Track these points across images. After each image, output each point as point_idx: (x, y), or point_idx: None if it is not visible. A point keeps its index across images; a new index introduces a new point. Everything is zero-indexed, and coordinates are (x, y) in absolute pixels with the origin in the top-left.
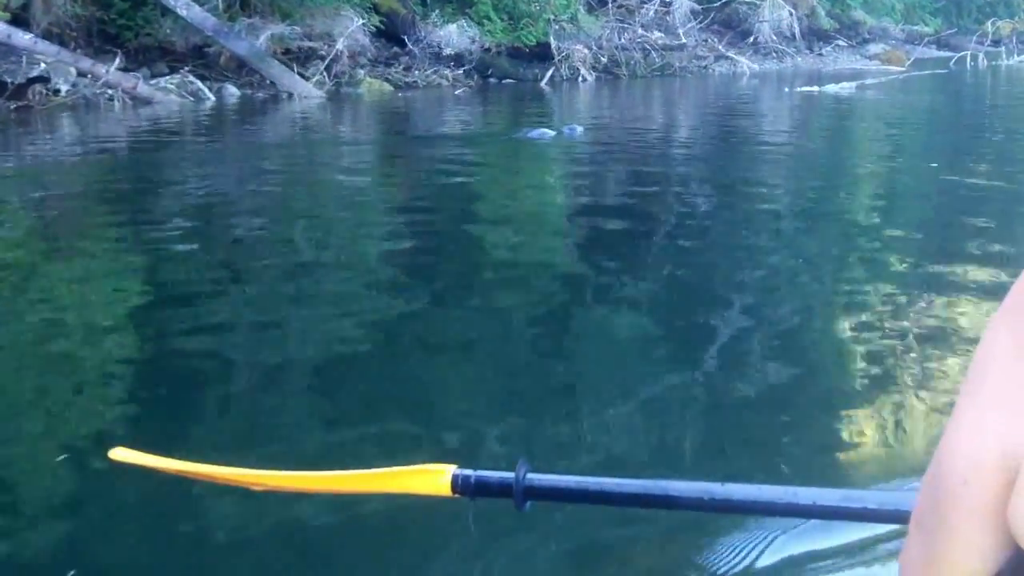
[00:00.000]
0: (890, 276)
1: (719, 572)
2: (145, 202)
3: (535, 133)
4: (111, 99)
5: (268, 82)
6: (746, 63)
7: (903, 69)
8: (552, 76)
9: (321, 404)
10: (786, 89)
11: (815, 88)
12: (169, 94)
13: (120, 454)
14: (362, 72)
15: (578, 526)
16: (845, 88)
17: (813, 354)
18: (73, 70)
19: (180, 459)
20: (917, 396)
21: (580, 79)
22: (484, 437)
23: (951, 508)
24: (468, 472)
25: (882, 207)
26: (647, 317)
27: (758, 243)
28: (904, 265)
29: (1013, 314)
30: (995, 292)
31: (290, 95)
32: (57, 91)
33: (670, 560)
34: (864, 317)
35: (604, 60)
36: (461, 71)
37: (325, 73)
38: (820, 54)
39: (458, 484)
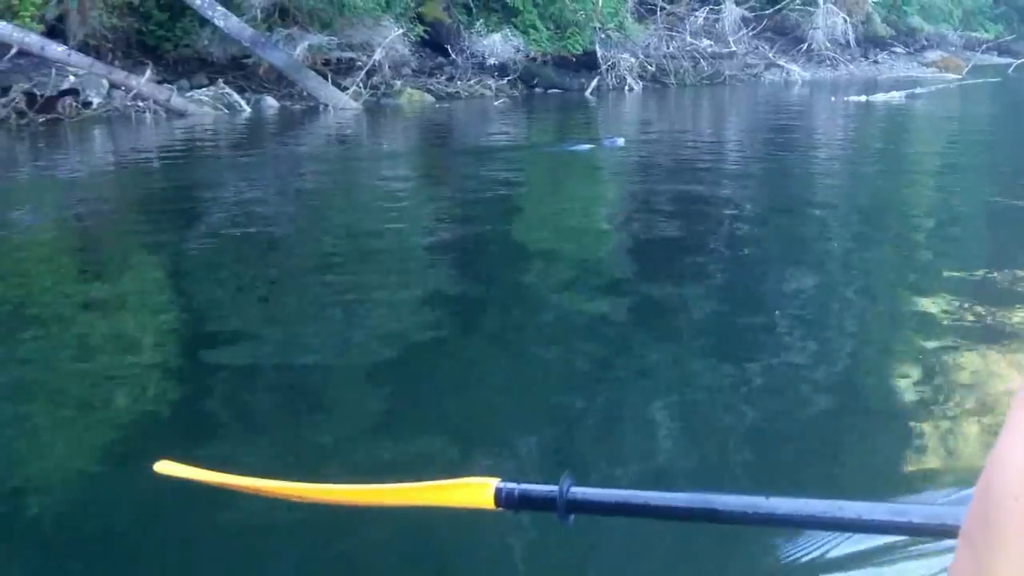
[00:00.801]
0: (941, 288)
1: None
2: (177, 217)
3: (572, 146)
4: (144, 111)
5: (305, 94)
6: (798, 71)
7: (960, 76)
8: (598, 85)
9: (364, 416)
10: (832, 98)
11: (863, 97)
12: (203, 106)
13: (165, 467)
14: (398, 83)
15: (622, 539)
16: (895, 97)
17: (861, 370)
18: (105, 82)
19: (223, 471)
20: (970, 411)
21: (627, 88)
22: (528, 451)
23: (1002, 523)
24: (512, 485)
25: (931, 226)
26: (691, 335)
27: (803, 258)
28: (954, 280)
29: None
30: None
31: (326, 107)
32: (88, 104)
33: (713, 573)
34: (916, 330)
35: (652, 69)
36: (505, 81)
37: (361, 84)
38: (876, 61)
39: (502, 497)
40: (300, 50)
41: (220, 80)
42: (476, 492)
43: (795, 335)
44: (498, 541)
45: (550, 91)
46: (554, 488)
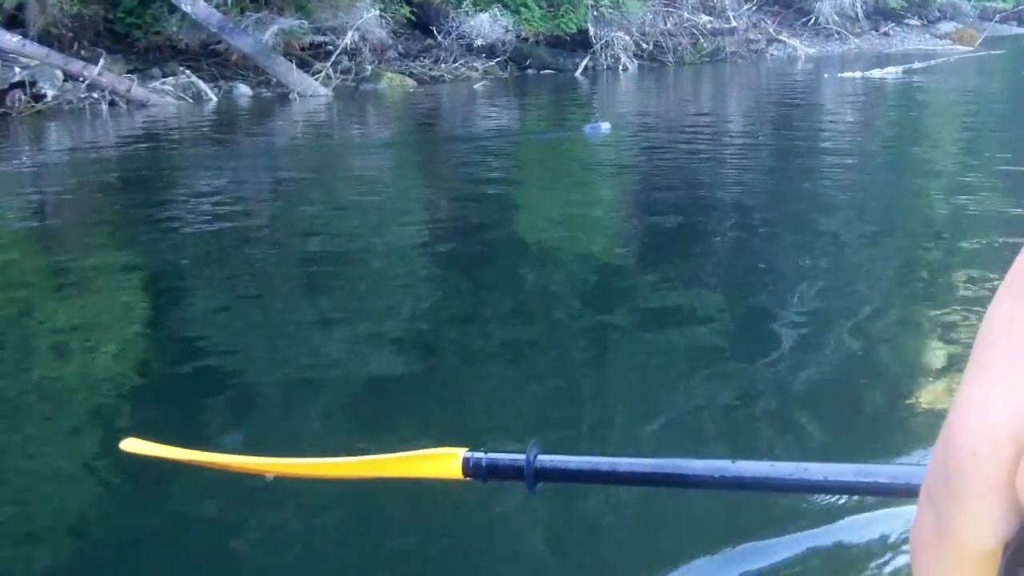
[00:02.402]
0: (952, 266)
1: (734, 548)
2: (138, 214)
3: (550, 133)
4: (107, 103)
5: (274, 81)
6: (800, 47)
7: (972, 49)
8: (591, 65)
9: (342, 408)
10: (825, 75)
11: (858, 74)
12: (165, 96)
13: (132, 445)
14: (369, 68)
15: (591, 506)
16: (891, 73)
17: (844, 350)
18: (60, 73)
19: (192, 448)
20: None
21: (621, 68)
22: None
23: (960, 480)
24: (479, 455)
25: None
26: (686, 327)
27: (791, 251)
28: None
29: (1017, 286)
30: None
31: (293, 94)
32: (42, 96)
33: (682, 538)
34: (911, 307)
35: (649, 47)
36: (494, 63)
37: (332, 69)
38: (886, 34)
39: (469, 467)
40: (269, 35)
41: (183, 68)
42: (444, 462)
43: (795, 313)
44: (468, 509)
45: (543, 72)
46: (521, 457)
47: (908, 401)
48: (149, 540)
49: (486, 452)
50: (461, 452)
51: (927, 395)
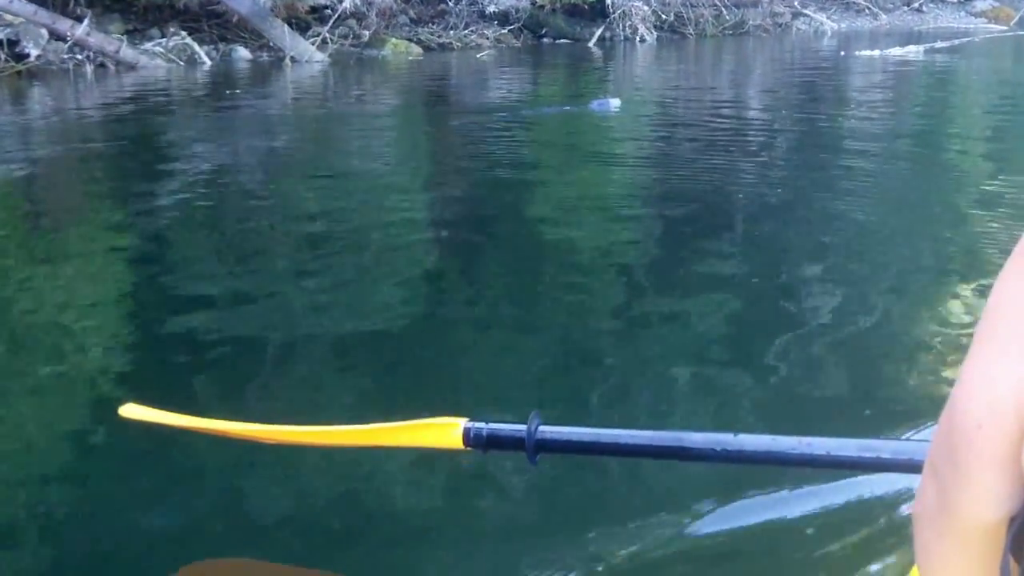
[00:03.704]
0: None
1: (735, 520)
2: (131, 178)
3: (555, 108)
4: (94, 64)
5: (272, 44)
6: (827, 21)
7: (1006, 28)
8: (607, 36)
9: (339, 370)
10: (842, 53)
11: (876, 52)
12: (155, 58)
13: (131, 411)
14: (367, 33)
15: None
16: (911, 52)
17: (856, 327)
18: (45, 32)
19: (191, 415)
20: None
21: (639, 39)
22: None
23: (965, 453)
24: (480, 425)
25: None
26: (693, 305)
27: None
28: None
29: None
30: None
31: (292, 59)
32: (24, 56)
33: (683, 512)
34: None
35: (669, 18)
36: (507, 30)
37: (333, 34)
38: (920, 10)
39: (470, 437)
40: None
41: (173, 29)
42: (445, 432)
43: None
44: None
45: (559, 42)
46: (522, 427)
47: (916, 378)
48: (148, 504)
49: (487, 423)
50: (462, 422)
51: (937, 371)
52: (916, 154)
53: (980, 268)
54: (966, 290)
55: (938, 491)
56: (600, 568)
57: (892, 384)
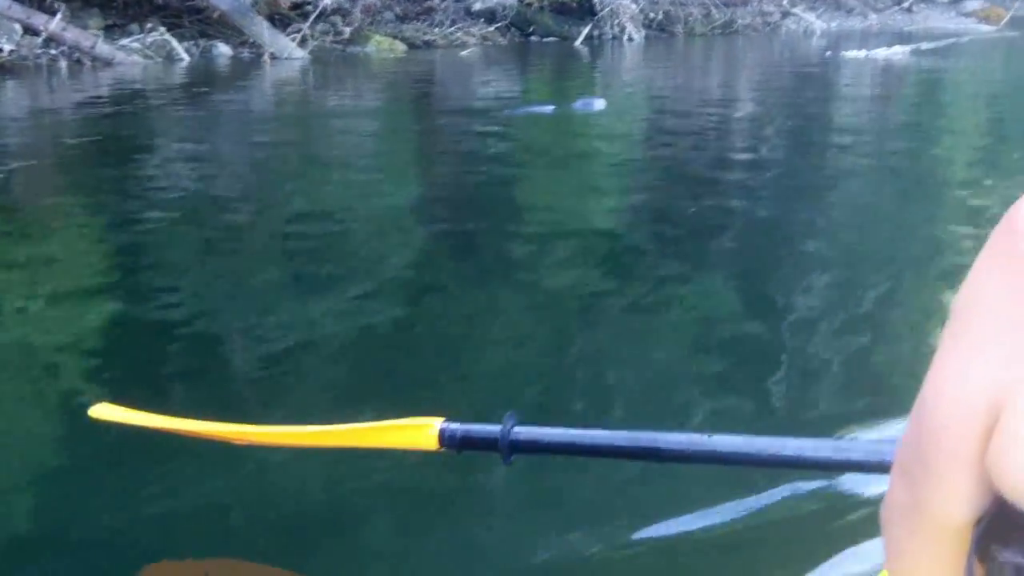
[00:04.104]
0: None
1: (709, 520)
2: (105, 179)
3: (535, 108)
4: (69, 60)
5: (251, 40)
6: (815, 21)
7: (995, 28)
8: (594, 35)
9: (315, 369)
10: (828, 53)
11: (862, 53)
12: (132, 55)
13: (101, 411)
14: (348, 30)
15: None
16: (896, 53)
17: (836, 328)
18: (18, 27)
19: (163, 415)
20: None
21: (627, 38)
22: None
23: (934, 453)
24: (455, 425)
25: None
26: (675, 306)
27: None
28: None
29: (998, 257)
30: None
31: (272, 56)
32: None
33: (657, 512)
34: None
35: (657, 16)
36: (494, 28)
37: (315, 31)
38: (910, 10)
39: (444, 438)
40: None
41: (150, 25)
42: (419, 433)
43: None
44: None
45: (547, 40)
46: (497, 428)
47: (896, 379)
48: (116, 504)
49: (462, 423)
50: (437, 422)
51: (916, 372)
52: (895, 157)
53: (964, 273)
54: (948, 293)
55: (907, 491)
56: (574, 568)
57: (870, 385)
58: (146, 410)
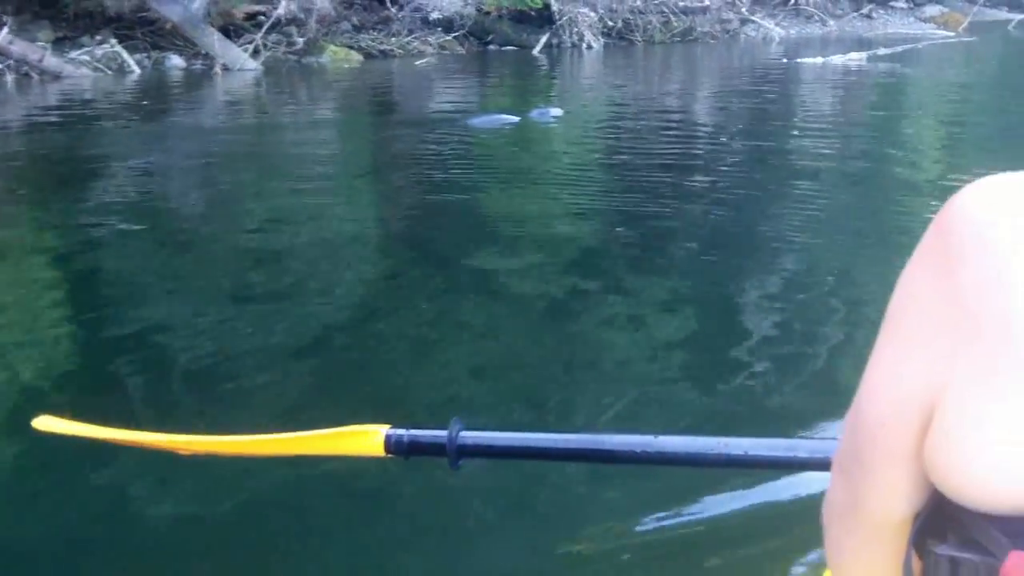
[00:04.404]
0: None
1: (653, 524)
2: (57, 192)
3: (492, 119)
4: (16, 74)
5: (204, 52)
6: (774, 28)
7: (953, 35)
8: (553, 44)
9: (264, 380)
10: (784, 60)
11: (818, 60)
12: (81, 67)
13: (45, 423)
14: (301, 40)
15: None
16: (853, 60)
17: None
18: None
19: (108, 427)
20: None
21: (585, 46)
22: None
23: (870, 451)
24: (401, 431)
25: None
26: (629, 312)
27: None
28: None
29: (928, 258)
30: None
31: (224, 67)
32: None
33: (604, 514)
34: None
35: (616, 24)
36: (451, 37)
37: (269, 41)
38: (869, 17)
39: (391, 444)
40: (200, 3)
41: (99, 37)
42: (365, 440)
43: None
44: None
45: (505, 49)
46: (443, 433)
47: (843, 379)
48: (62, 519)
49: (408, 428)
50: (383, 429)
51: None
52: (851, 161)
53: None
54: None
55: (845, 489)
56: (522, 571)
57: (822, 384)
58: (91, 422)
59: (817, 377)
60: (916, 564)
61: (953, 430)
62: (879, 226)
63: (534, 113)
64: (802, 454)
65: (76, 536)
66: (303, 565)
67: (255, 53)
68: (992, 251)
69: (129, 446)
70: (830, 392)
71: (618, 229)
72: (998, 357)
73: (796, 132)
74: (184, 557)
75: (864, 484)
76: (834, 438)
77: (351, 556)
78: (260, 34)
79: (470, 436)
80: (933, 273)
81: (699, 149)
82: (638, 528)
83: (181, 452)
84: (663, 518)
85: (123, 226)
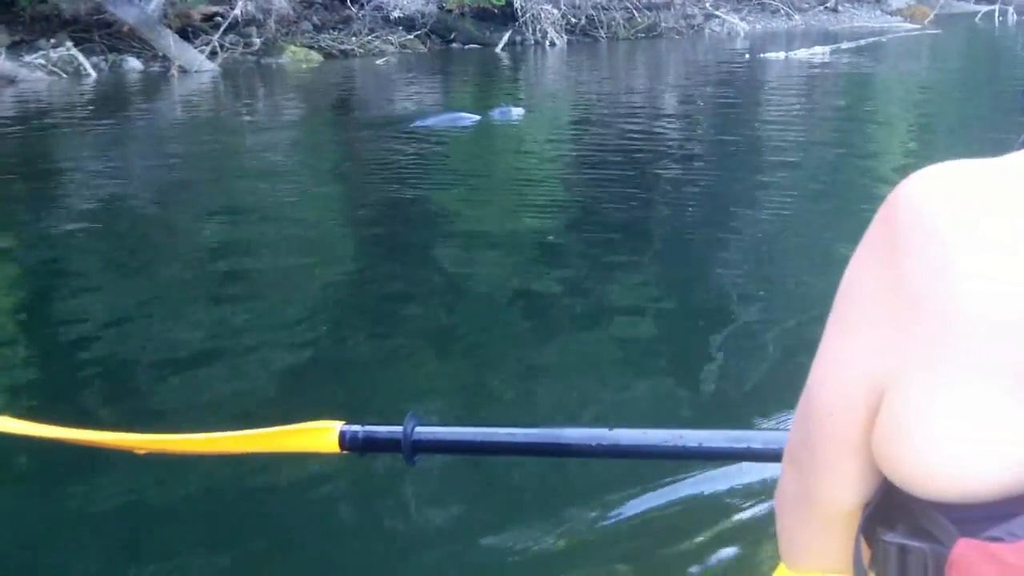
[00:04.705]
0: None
1: (608, 518)
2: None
3: (450, 118)
4: None
5: (161, 54)
6: (739, 23)
7: (919, 27)
8: (516, 41)
9: (221, 381)
10: (746, 56)
11: (781, 54)
12: (36, 71)
13: (2, 424)
14: (258, 41)
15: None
16: (817, 54)
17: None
18: None
19: (66, 426)
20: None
21: (548, 43)
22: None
23: (820, 440)
24: (356, 428)
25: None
26: (590, 311)
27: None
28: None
29: (874, 246)
30: None
31: (181, 69)
32: None
33: (558, 508)
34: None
35: (580, 21)
36: (413, 35)
37: (227, 42)
38: (835, 10)
39: (346, 440)
40: (156, 3)
41: (51, 40)
42: (320, 436)
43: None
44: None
45: (468, 47)
46: (398, 429)
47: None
48: (17, 519)
49: (363, 425)
50: (338, 425)
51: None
52: (812, 154)
53: None
54: None
55: (796, 479)
56: (480, 564)
57: (780, 378)
58: (47, 422)
59: (778, 369)
60: (865, 552)
61: (901, 419)
62: (841, 220)
63: (495, 113)
64: (756, 445)
65: (31, 535)
66: (256, 564)
67: (212, 54)
68: (937, 241)
69: (85, 446)
70: (791, 384)
71: (579, 227)
72: (943, 347)
73: (755, 127)
74: (137, 556)
75: (814, 474)
76: (788, 429)
77: (304, 553)
78: (217, 35)
79: (426, 432)
80: (878, 263)
81: (662, 146)
82: (593, 521)
83: (137, 451)
84: (618, 511)
85: (75, 227)
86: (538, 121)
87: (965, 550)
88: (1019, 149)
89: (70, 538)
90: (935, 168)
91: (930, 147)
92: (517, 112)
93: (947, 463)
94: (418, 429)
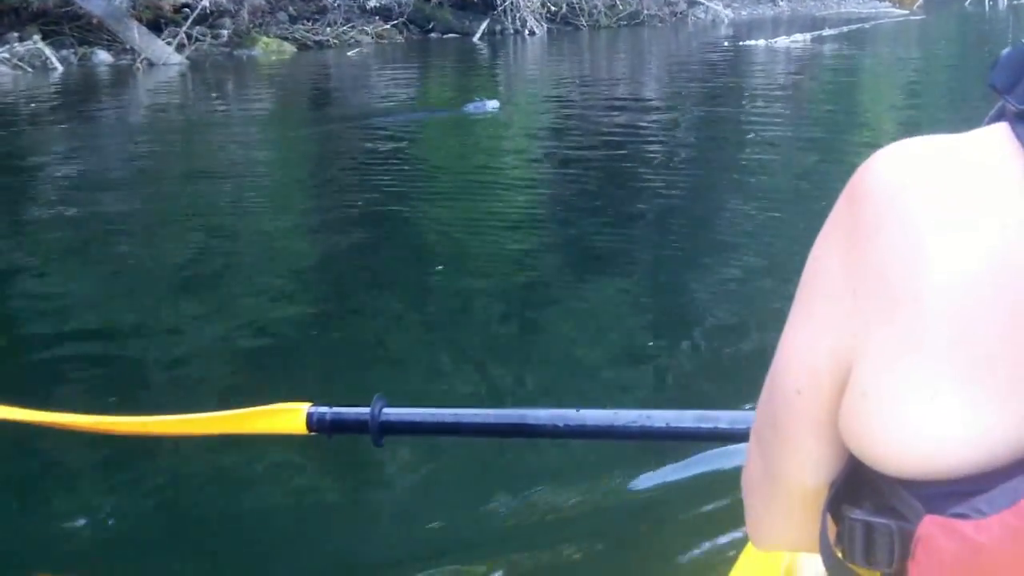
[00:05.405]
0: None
1: (575, 499)
2: None
3: (424, 112)
4: None
5: (128, 47)
6: (721, 10)
7: (907, 13)
8: (495, 30)
9: (193, 366)
10: (725, 44)
11: (762, 42)
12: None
13: None
14: (225, 33)
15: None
16: (798, 41)
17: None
18: None
19: (36, 409)
20: None
21: (528, 32)
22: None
23: (786, 419)
24: (324, 409)
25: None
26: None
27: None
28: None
29: (840, 224)
30: None
31: (147, 62)
32: None
33: (526, 489)
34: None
35: (561, 9)
36: (390, 25)
37: (197, 34)
38: None
39: (313, 422)
40: None
41: (18, 34)
42: (287, 418)
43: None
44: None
45: (447, 36)
46: (366, 410)
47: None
48: None
49: (331, 407)
50: (305, 407)
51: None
52: (792, 143)
53: None
54: None
55: (763, 458)
56: (446, 545)
57: (749, 360)
58: (17, 405)
59: (751, 351)
60: (831, 529)
61: (868, 396)
62: (818, 206)
63: (470, 106)
64: (723, 425)
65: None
66: (222, 544)
67: (181, 47)
68: (905, 219)
69: (56, 428)
70: (761, 365)
71: (553, 216)
72: (910, 324)
73: (734, 116)
74: (103, 539)
75: (781, 453)
76: (754, 408)
77: (271, 533)
78: (185, 26)
79: (393, 413)
80: (845, 239)
81: (639, 138)
82: (561, 502)
83: (106, 432)
84: (586, 491)
85: (42, 215)
86: (514, 114)
87: (931, 527)
88: (987, 124)
89: (33, 519)
90: (899, 145)
91: (907, 133)
92: (492, 105)
93: (914, 440)
94: (385, 410)
